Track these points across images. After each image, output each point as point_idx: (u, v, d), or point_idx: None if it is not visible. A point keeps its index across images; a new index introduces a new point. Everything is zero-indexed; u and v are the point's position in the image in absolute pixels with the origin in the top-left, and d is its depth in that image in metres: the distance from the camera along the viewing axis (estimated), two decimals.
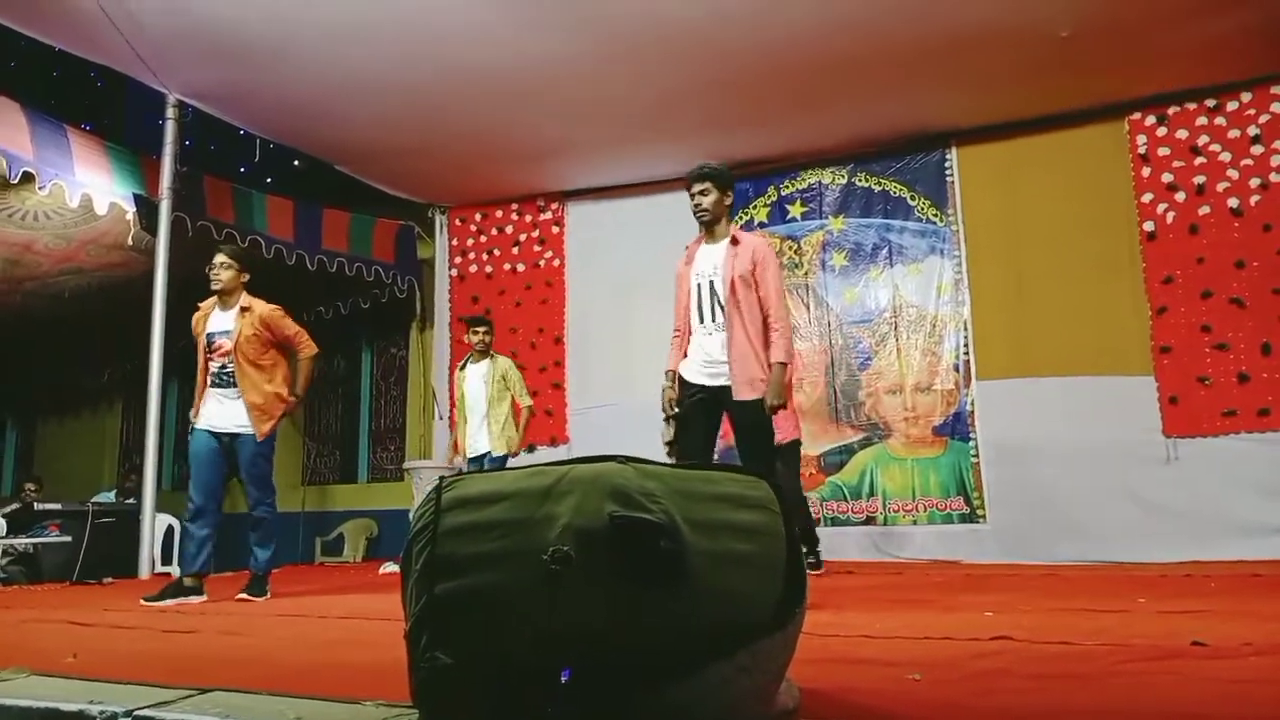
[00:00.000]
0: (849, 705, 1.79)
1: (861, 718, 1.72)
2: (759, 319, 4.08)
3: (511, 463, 6.43)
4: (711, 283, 4.15)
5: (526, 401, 6.67)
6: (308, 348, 5.22)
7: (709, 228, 4.22)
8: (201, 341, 5.06)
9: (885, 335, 7.52)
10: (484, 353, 6.62)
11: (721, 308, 4.10)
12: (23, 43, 6.46)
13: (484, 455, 6.50)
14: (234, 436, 5.02)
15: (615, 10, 5.70)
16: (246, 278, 5.13)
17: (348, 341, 10.31)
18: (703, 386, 4.06)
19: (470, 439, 6.58)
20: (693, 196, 4.17)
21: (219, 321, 5.06)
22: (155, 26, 5.86)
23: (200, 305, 5.17)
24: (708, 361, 4.10)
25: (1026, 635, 2.64)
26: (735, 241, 4.16)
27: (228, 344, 4.98)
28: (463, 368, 6.81)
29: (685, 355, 4.21)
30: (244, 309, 5.03)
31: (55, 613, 4.21)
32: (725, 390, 4.02)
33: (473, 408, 6.60)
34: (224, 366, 4.99)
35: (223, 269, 5.02)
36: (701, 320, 4.17)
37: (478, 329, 6.65)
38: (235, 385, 4.97)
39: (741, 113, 7.04)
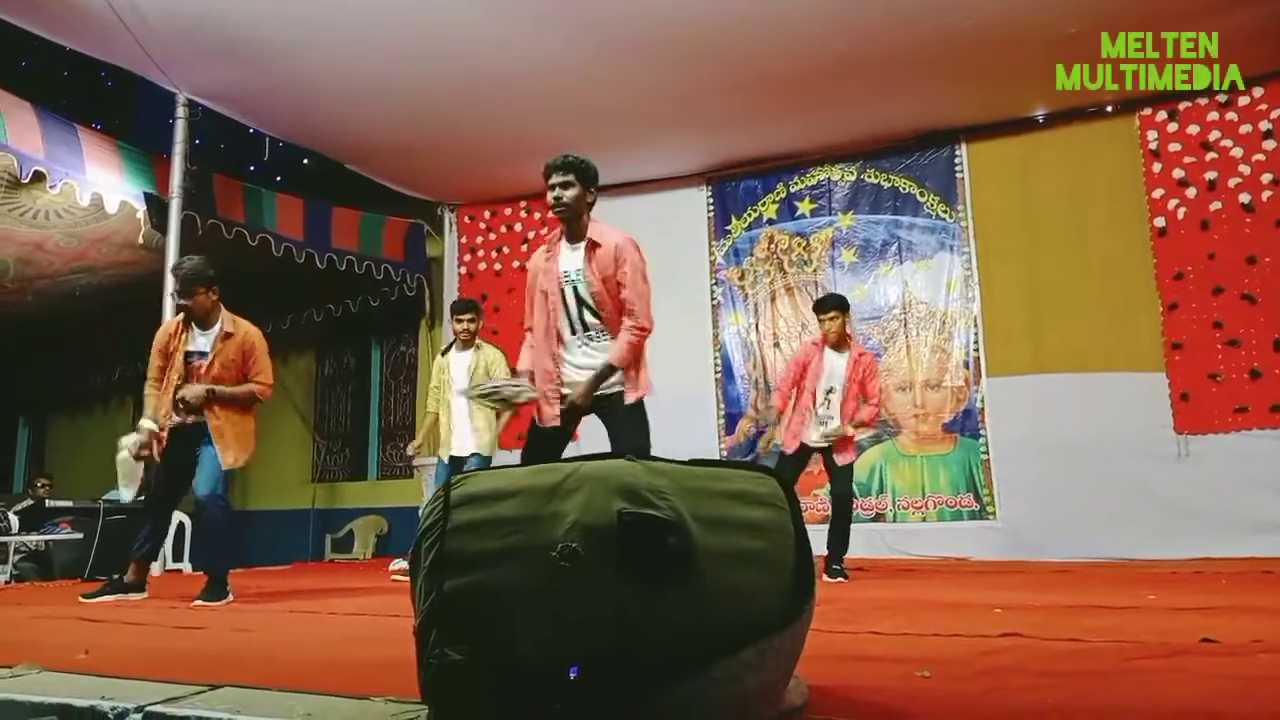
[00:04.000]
0: (857, 702, 1.79)
1: (870, 715, 1.71)
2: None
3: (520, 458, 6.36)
4: (576, 288, 3.84)
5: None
6: (263, 388, 4.87)
7: (568, 225, 3.90)
8: (177, 359, 4.72)
9: (895, 332, 7.51)
10: (469, 341, 6.25)
11: (596, 317, 3.84)
12: (34, 42, 6.47)
13: (467, 456, 6.07)
14: (201, 448, 4.72)
15: (625, 9, 5.70)
16: (217, 295, 4.81)
17: (357, 339, 10.34)
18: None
19: (455, 435, 6.18)
20: (551, 188, 3.81)
21: (196, 341, 4.76)
22: (165, 26, 5.88)
23: (177, 317, 4.87)
24: (580, 370, 3.84)
25: (1036, 632, 2.64)
26: (594, 245, 3.84)
27: (202, 366, 4.71)
28: (444, 353, 6.46)
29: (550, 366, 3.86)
30: (227, 334, 4.76)
31: (67, 609, 4.24)
32: (604, 398, 3.80)
33: (457, 400, 6.17)
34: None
35: (193, 298, 4.69)
36: (574, 332, 3.87)
37: (462, 316, 6.26)
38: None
39: (751, 109, 7.03)
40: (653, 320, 3.93)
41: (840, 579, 5.21)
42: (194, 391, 4.63)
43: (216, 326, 4.78)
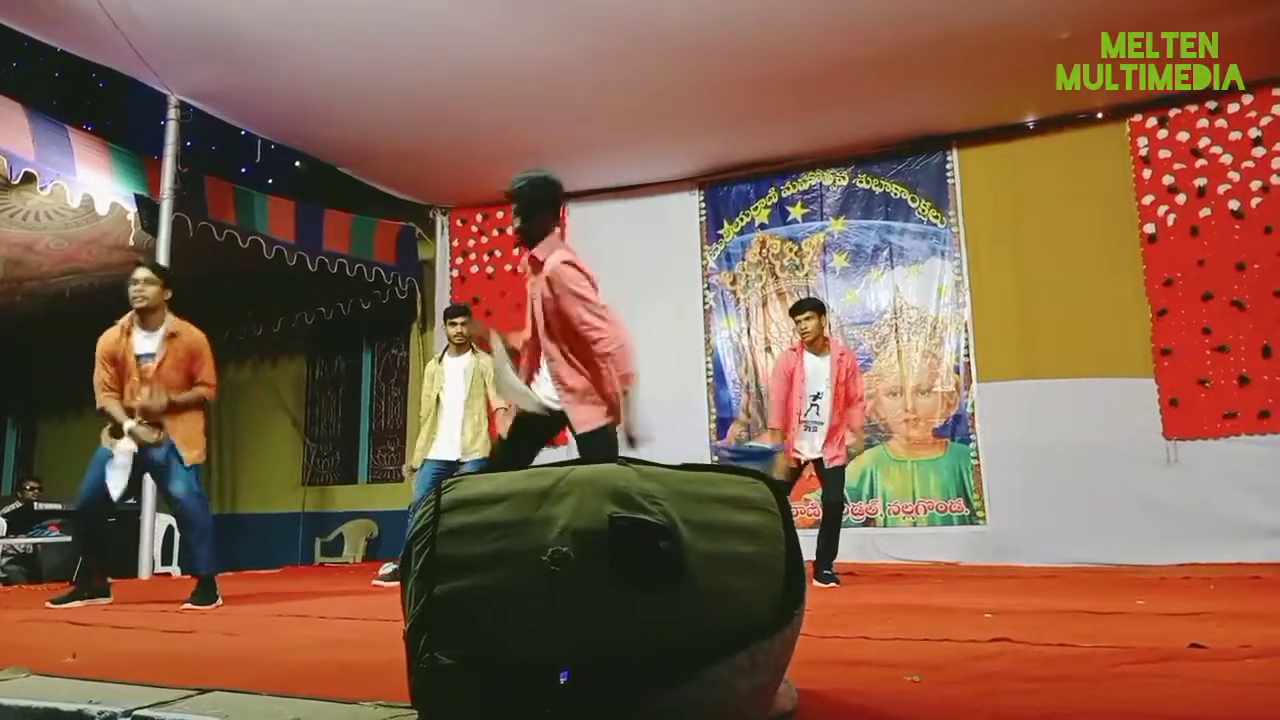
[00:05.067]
0: (847, 707, 1.79)
1: (860, 719, 1.72)
2: (581, 346, 3.78)
3: None
4: (532, 306, 3.88)
5: (500, 403, 6.07)
6: (208, 389, 4.90)
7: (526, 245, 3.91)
8: (129, 362, 4.68)
9: (886, 337, 7.52)
10: (462, 346, 6.23)
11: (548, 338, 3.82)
12: (25, 43, 6.47)
13: (455, 462, 6.04)
14: (157, 455, 4.69)
15: (616, 12, 5.70)
16: (169, 295, 4.78)
17: (348, 342, 10.31)
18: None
19: (442, 440, 6.15)
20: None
21: (143, 343, 4.70)
22: (157, 28, 5.87)
23: (118, 323, 4.76)
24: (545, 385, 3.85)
25: (1025, 637, 2.65)
26: (538, 266, 3.83)
27: (151, 368, 4.66)
28: (439, 360, 6.40)
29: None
30: (172, 334, 4.71)
31: (54, 612, 4.22)
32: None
33: (450, 405, 6.18)
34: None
35: (146, 284, 4.65)
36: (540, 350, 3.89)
37: (455, 320, 6.24)
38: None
39: (742, 114, 7.05)
40: (606, 324, 3.83)
41: (831, 584, 5.20)
42: (157, 402, 4.63)
43: (161, 328, 4.74)
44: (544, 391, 3.82)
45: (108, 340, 4.75)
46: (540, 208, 3.93)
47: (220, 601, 4.63)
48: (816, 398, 5.45)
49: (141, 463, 4.69)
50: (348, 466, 10.20)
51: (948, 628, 2.95)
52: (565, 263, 3.77)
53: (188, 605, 4.47)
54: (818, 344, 5.53)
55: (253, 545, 9.58)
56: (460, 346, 6.26)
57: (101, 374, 4.75)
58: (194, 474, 4.75)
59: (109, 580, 4.81)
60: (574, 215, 8.66)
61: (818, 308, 5.59)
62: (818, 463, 5.48)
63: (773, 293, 7.92)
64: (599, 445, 3.73)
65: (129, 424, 4.62)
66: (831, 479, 5.46)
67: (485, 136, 7.38)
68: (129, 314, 4.73)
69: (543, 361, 3.85)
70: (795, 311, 5.63)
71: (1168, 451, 6.50)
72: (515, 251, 8.75)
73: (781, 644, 1.50)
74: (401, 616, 1.45)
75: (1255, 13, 5.62)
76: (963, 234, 7.37)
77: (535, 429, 3.87)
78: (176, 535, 7.78)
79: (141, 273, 4.71)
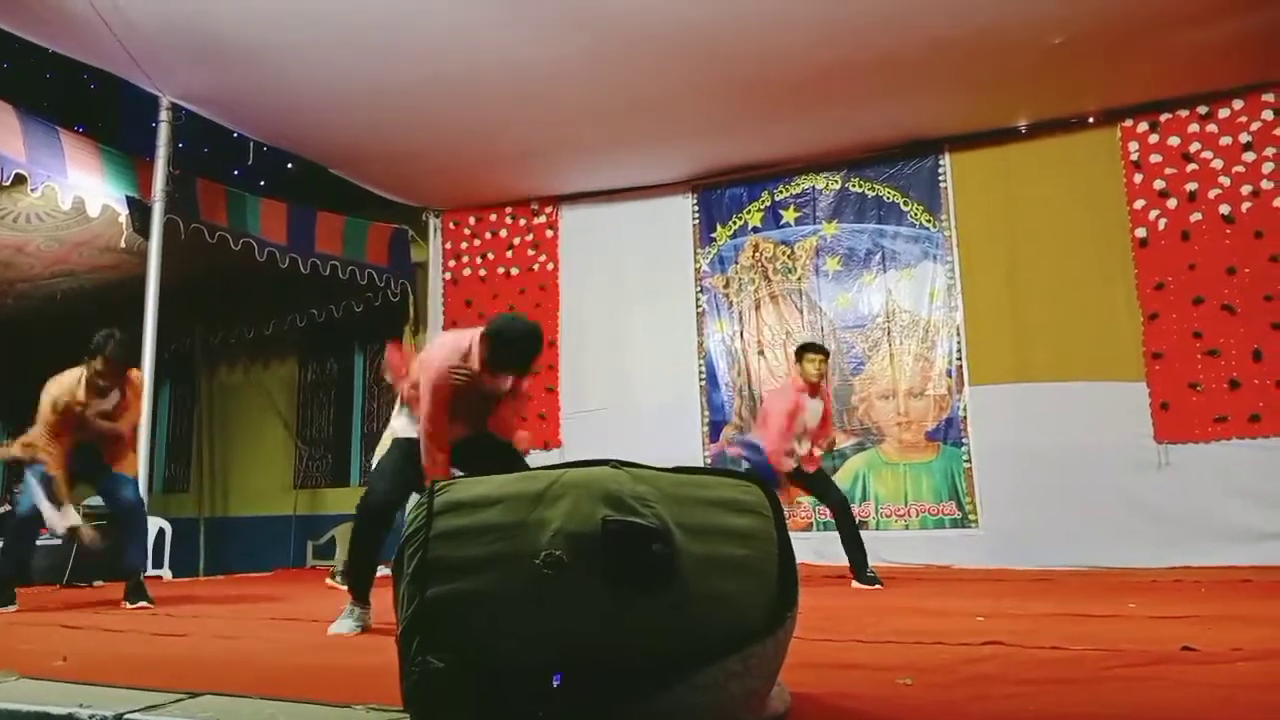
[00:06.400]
0: (840, 710, 1.79)
1: None
2: None
3: None
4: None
5: None
6: (132, 419, 5.13)
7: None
8: (73, 412, 4.79)
9: (878, 340, 7.53)
10: None
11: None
12: (16, 45, 6.44)
13: None
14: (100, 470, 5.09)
15: (609, 14, 5.70)
16: (118, 378, 4.88)
17: (341, 345, 10.29)
18: None
19: None
20: None
21: (99, 402, 4.85)
22: (149, 29, 5.85)
23: (76, 375, 4.83)
24: None
25: (1017, 640, 2.65)
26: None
27: (105, 425, 4.89)
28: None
29: None
30: (123, 391, 4.93)
31: (45, 616, 4.20)
32: None
33: None
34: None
35: (114, 380, 4.83)
36: None
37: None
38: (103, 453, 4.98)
39: (735, 117, 7.05)
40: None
41: (875, 585, 5.30)
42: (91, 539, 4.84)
43: (116, 394, 4.91)
44: None
45: (66, 393, 4.79)
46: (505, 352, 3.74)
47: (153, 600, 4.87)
48: (804, 433, 5.65)
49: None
50: (340, 469, 10.18)
51: (940, 631, 2.96)
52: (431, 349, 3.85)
53: (134, 605, 4.71)
54: (817, 385, 5.70)
55: (244, 548, 9.56)
56: None
57: (47, 417, 4.80)
58: (134, 480, 5.24)
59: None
60: (567, 218, 8.67)
61: (826, 353, 5.77)
62: (800, 476, 5.68)
63: (765, 296, 7.93)
64: None
65: (77, 524, 4.76)
66: (819, 482, 5.69)
67: (478, 139, 7.38)
68: (85, 371, 4.77)
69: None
70: (808, 351, 5.71)
71: (1159, 455, 6.52)
72: (509, 254, 8.76)
73: (774, 647, 1.50)
74: (394, 619, 1.45)
75: (1245, 18, 5.65)
76: (955, 238, 7.38)
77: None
78: (168, 538, 7.75)
79: (96, 364, 4.72)
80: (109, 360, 4.71)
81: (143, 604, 4.72)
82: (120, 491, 5.06)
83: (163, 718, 1.78)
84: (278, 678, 2.37)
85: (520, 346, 3.57)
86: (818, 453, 5.80)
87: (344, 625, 3.47)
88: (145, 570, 5.04)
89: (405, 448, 3.72)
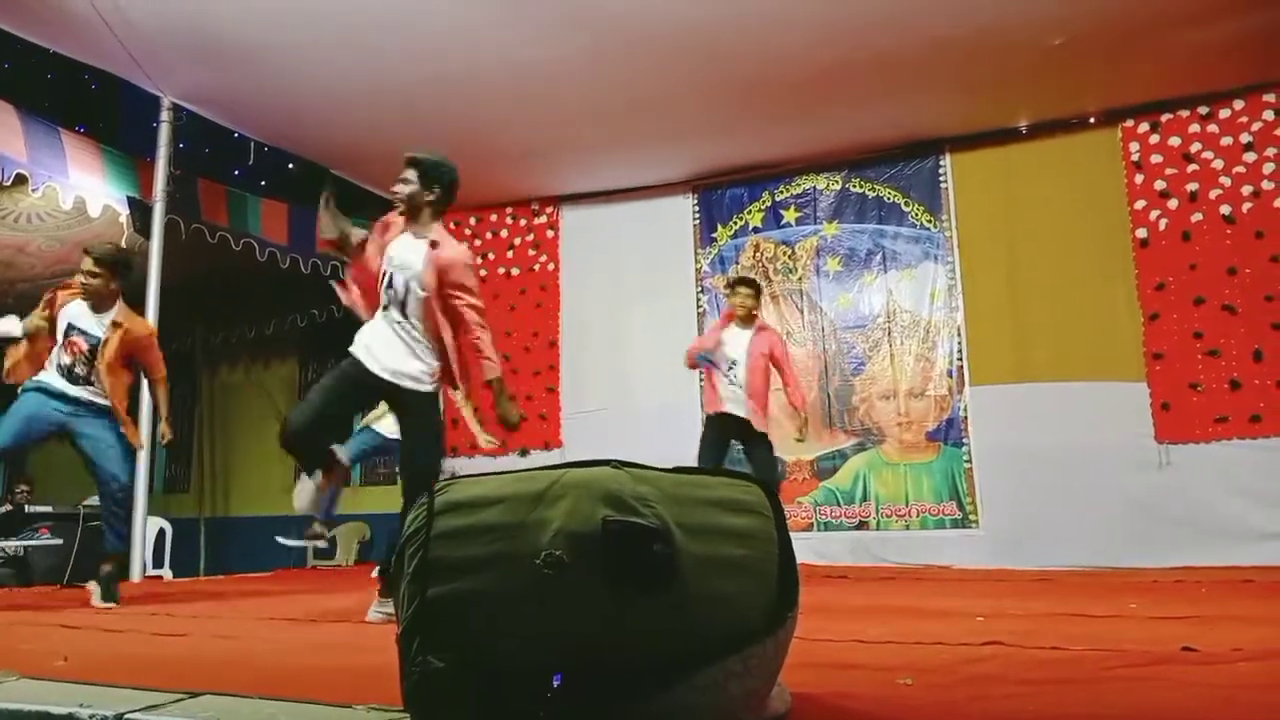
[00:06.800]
0: (840, 710, 1.79)
1: None
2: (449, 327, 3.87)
3: (504, 466, 6.41)
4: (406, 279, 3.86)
5: None
6: (160, 371, 4.98)
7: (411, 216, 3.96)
8: (58, 324, 4.69)
9: (879, 341, 7.53)
10: None
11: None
12: (17, 45, 6.44)
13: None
14: (77, 412, 4.68)
15: (609, 14, 5.70)
16: (115, 286, 4.76)
17: (341, 345, 10.18)
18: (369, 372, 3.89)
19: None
20: (397, 180, 3.99)
21: (85, 320, 4.71)
22: (150, 29, 5.86)
23: (69, 285, 4.79)
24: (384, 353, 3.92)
25: (1018, 640, 2.65)
26: (435, 245, 3.88)
27: (84, 346, 4.68)
28: None
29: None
30: (116, 323, 4.74)
31: (46, 616, 4.20)
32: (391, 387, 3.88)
33: None
34: (73, 365, 4.65)
35: (90, 278, 4.66)
36: (386, 308, 3.92)
37: None
38: (87, 385, 4.69)
39: (736, 118, 7.05)
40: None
41: None
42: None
43: (109, 314, 4.76)
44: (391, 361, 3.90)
45: (53, 297, 4.76)
46: (452, 192, 4.09)
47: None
48: (733, 365, 5.77)
49: (68, 430, 4.70)
50: None
51: (940, 631, 2.95)
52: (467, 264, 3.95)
53: (107, 605, 4.59)
54: (747, 321, 5.90)
55: (245, 548, 9.56)
56: None
57: (40, 310, 4.73)
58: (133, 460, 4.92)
59: None
60: (568, 218, 8.67)
61: (756, 288, 6.01)
62: (746, 431, 5.75)
63: (766, 296, 7.92)
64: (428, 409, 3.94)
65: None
66: (761, 456, 5.79)
67: (478, 139, 7.37)
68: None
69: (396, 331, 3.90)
70: (738, 282, 6.00)
71: (1159, 455, 6.51)
72: (509, 254, 8.76)
73: (774, 647, 1.50)
74: (394, 619, 1.45)
75: (1245, 18, 5.65)
76: (956, 238, 7.38)
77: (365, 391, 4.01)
78: (168, 538, 7.75)
79: (85, 263, 4.68)
80: (96, 259, 4.67)
81: (110, 605, 4.57)
82: (110, 462, 4.75)
83: (163, 717, 1.78)
84: (278, 678, 2.37)
85: None
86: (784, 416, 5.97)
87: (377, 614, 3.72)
88: (126, 559, 4.91)
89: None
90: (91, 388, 4.69)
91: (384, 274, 3.89)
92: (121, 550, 4.94)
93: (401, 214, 3.97)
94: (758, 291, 6.00)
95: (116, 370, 4.75)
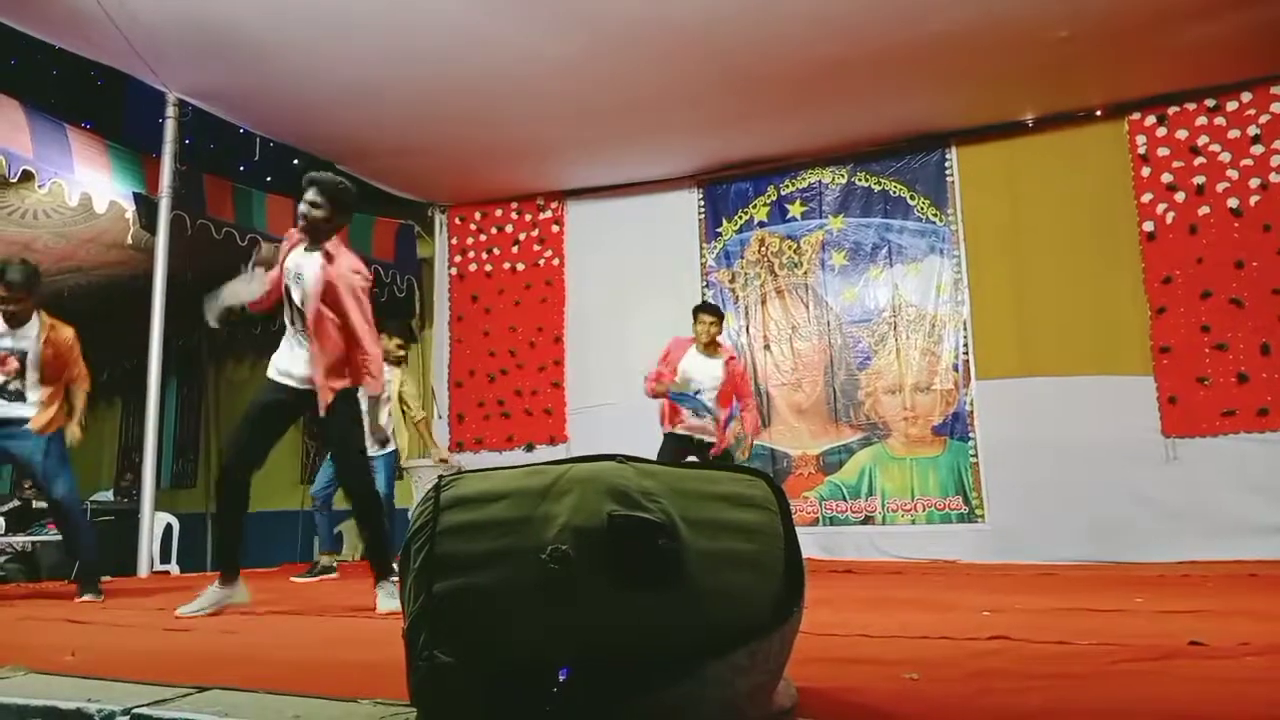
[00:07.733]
0: (846, 704, 1.79)
1: (858, 717, 1.72)
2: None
3: (509, 460, 6.43)
4: (302, 291, 4.10)
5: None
6: (83, 374, 5.11)
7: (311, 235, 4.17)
8: None
9: (884, 335, 7.52)
10: (395, 364, 6.73)
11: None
12: (22, 41, 6.46)
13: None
14: (12, 434, 4.79)
15: (615, 10, 5.70)
16: (30, 302, 4.87)
17: None
18: (286, 387, 4.18)
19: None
20: (303, 201, 4.11)
21: (5, 340, 4.82)
22: (155, 25, 5.86)
23: None
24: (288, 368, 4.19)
25: (1024, 635, 2.64)
26: (329, 258, 4.10)
27: (14, 363, 4.78)
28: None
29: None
30: (43, 335, 4.86)
31: (53, 611, 4.22)
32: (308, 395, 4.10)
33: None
34: (6, 384, 4.77)
35: (2, 304, 4.75)
36: (291, 322, 4.21)
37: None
38: (19, 400, 4.81)
39: (742, 112, 7.04)
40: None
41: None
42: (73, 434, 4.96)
43: (33, 327, 4.87)
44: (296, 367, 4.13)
45: None
46: (349, 211, 4.32)
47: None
48: (697, 393, 5.80)
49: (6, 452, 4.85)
50: None
51: (946, 625, 2.95)
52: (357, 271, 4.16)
53: (90, 597, 4.76)
54: (711, 347, 5.95)
55: (251, 543, 9.46)
56: (396, 363, 6.76)
57: None
58: (68, 468, 5.01)
59: None
60: (572, 213, 8.67)
61: (720, 315, 6.13)
62: (704, 451, 5.88)
63: (772, 291, 7.93)
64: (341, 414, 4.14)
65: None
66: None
67: (484, 134, 7.38)
68: None
69: (301, 341, 4.16)
70: (704, 310, 6.03)
71: (1166, 449, 6.50)
72: (515, 249, 8.76)
73: (780, 642, 1.50)
74: (400, 614, 1.45)
75: (1252, 10, 5.62)
76: (961, 232, 7.37)
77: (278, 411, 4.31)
78: (175, 533, 7.78)
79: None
80: (7, 284, 4.76)
81: (90, 598, 4.75)
82: (54, 482, 4.89)
83: (171, 712, 1.78)
84: (285, 672, 2.38)
85: None
86: (730, 437, 5.91)
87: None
88: (94, 556, 5.03)
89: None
90: (23, 402, 4.82)
91: (284, 288, 4.13)
92: (89, 559, 5.07)
93: (303, 231, 4.14)
94: (720, 318, 6.10)
95: (50, 378, 4.91)
